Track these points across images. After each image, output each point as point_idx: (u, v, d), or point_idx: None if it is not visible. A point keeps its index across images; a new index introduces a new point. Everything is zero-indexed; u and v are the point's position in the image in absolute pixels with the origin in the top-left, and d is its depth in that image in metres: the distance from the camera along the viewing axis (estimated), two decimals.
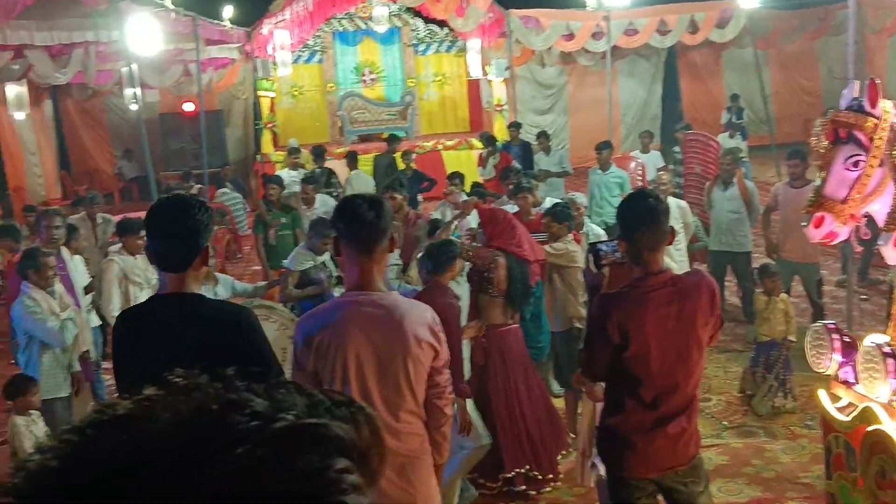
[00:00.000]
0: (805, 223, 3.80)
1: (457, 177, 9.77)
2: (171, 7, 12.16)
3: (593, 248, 3.40)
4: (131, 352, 3.01)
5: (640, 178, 11.93)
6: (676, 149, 12.80)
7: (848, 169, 3.69)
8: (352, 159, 12.94)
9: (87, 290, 7.09)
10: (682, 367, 3.40)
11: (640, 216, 3.30)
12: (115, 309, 6.66)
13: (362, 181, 12.18)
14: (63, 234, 7.14)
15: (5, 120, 17.26)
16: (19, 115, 15.59)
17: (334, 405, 0.68)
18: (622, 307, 3.32)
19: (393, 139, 14.84)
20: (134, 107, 16.45)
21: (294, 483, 0.61)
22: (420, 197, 12.43)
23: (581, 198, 8.04)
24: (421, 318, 3.09)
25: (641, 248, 3.32)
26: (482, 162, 13.37)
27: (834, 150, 3.75)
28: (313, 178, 10.59)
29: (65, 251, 7.06)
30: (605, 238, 6.63)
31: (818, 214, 3.75)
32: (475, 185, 11.01)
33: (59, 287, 6.18)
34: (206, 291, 6.73)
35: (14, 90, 13.51)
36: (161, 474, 0.60)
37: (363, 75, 21.25)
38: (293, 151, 12.96)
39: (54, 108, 21.04)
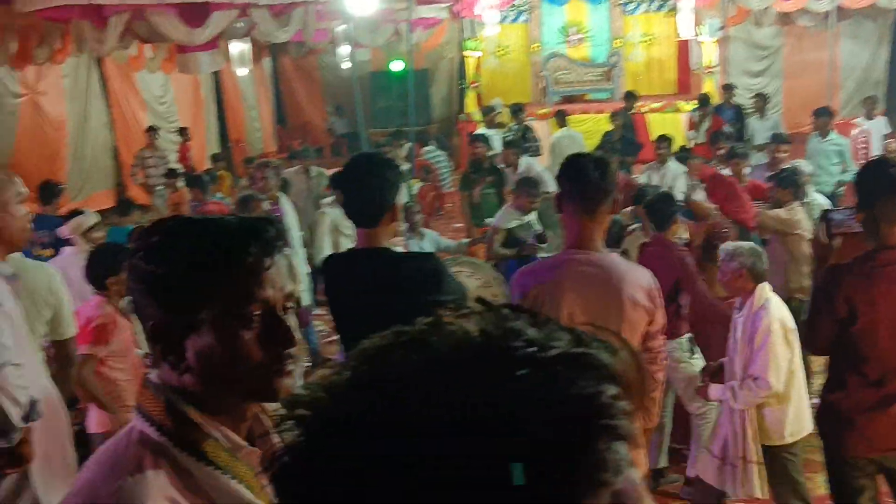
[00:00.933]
0: None
1: (664, 140, 9.53)
2: None
3: (825, 216, 3.22)
4: (336, 296, 3.18)
5: (864, 146, 11.19)
6: None
7: None
8: (560, 118, 12.90)
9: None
10: None
11: (882, 184, 3.09)
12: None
13: (573, 141, 12.06)
14: (275, 185, 7.53)
15: (228, 76, 18.34)
16: (242, 72, 16.50)
17: (596, 340, 0.69)
18: (852, 280, 3.14)
19: (629, 96, 14.58)
20: (346, 65, 17.08)
21: (570, 407, 0.63)
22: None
23: (805, 165, 7.65)
24: (638, 280, 3.04)
25: (879, 218, 3.11)
26: (693, 125, 12.96)
27: None
28: (514, 141, 10.65)
29: (284, 198, 7.47)
30: (829, 207, 6.29)
31: None
32: (682, 149, 10.70)
33: None
34: (412, 245, 6.96)
35: (238, 47, 14.27)
36: (451, 393, 0.63)
37: (568, 35, 20.98)
38: (487, 111, 13.08)
39: (273, 65, 22.15)
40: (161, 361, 1.32)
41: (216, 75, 18.18)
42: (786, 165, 7.22)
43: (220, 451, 1.29)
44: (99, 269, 4.49)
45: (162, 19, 11.22)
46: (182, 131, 15.80)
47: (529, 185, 7.01)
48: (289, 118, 23.07)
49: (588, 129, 14.67)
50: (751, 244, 4.19)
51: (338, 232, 7.11)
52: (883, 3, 17.30)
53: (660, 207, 5.06)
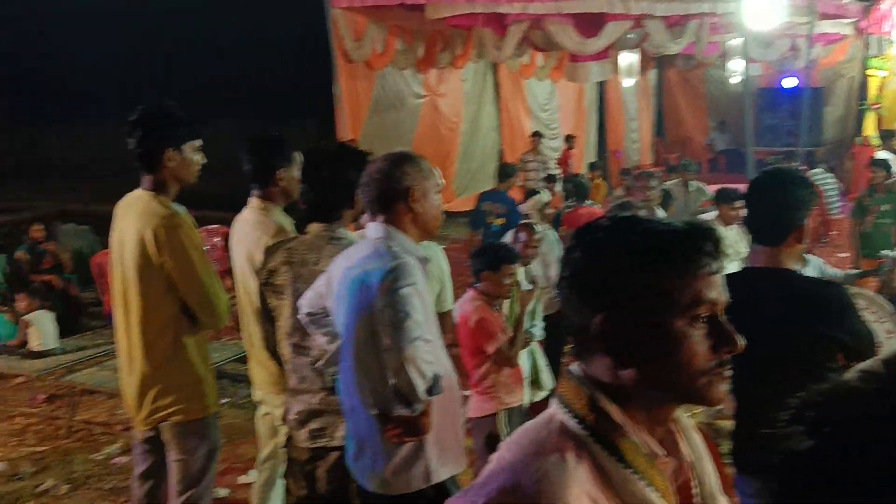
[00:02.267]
0: None
1: None
2: None
3: None
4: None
5: None
6: None
7: None
8: None
9: None
10: None
11: None
12: None
13: None
14: (657, 195, 7.50)
15: (612, 86, 18.60)
16: (628, 83, 16.67)
17: None
18: None
19: None
20: (735, 79, 16.60)
21: None
22: None
23: None
24: None
25: None
26: None
27: None
28: None
29: (660, 211, 7.42)
30: None
31: None
32: None
33: None
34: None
35: (627, 58, 14.42)
36: None
37: None
38: (887, 135, 12.08)
39: (657, 77, 22.11)
40: (590, 355, 1.35)
41: (600, 85, 18.53)
42: None
43: (638, 455, 1.29)
44: (481, 264, 4.79)
45: (558, 28, 11.64)
46: (568, 138, 16.29)
47: None
48: (668, 131, 22.91)
49: None
50: None
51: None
52: None
53: None
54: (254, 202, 4.01)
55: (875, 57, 16.93)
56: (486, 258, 4.79)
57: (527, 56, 14.72)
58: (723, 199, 7.04)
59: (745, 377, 2.12)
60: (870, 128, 17.32)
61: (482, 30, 12.28)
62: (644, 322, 1.29)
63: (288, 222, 3.94)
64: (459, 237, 12.42)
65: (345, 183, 3.28)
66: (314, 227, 3.40)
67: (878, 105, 17.68)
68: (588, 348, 1.35)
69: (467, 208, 11.08)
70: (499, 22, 12.09)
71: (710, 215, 7.40)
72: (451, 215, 7.81)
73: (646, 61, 17.97)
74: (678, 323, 1.28)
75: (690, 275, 1.29)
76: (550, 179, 12.55)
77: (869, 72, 17.49)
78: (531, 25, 11.88)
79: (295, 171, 3.95)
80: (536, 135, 14.76)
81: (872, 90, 17.57)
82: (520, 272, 5.25)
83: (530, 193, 7.53)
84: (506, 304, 4.93)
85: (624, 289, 1.29)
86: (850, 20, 16.28)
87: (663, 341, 1.28)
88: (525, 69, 15.98)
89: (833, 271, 6.90)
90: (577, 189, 9.11)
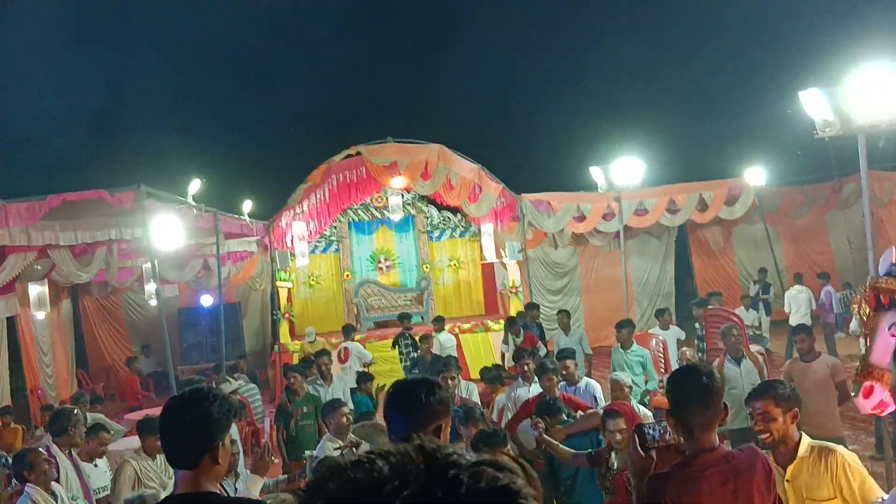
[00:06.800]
0: (854, 393, 3.66)
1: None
2: (194, 204, 12.45)
3: (639, 430, 3.22)
4: None
5: (662, 354, 11.79)
6: (697, 325, 12.70)
7: (893, 335, 3.57)
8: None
9: None
10: None
11: (694, 395, 3.15)
12: None
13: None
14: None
15: (24, 322, 17.37)
16: (40, 316, 15.72)
17: None
18: (675, 487, 3.12)
19: (438, 320, 15.06)
20: (153, 302, 16.62)
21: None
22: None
23: (624, 377, 7.86)
24: None
25: (693, 426, 3.15)
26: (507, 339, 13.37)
27: (877, 316, 3.66)
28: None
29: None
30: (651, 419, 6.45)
31: (867, 384, 3.61)
32: (494, 367, 10.90)
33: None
34: (228, 487, 6.52)
35: (36, 290, 13.65)
36: None
37: (379, 262, 21.55)
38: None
39: (73, 306, 21.26)
40: None
41: (11, 320, 17.17)
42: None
43: None
44: None
45: None
46: None
47: (332, 406, 6.99)
48: (91, 361, 21.95)
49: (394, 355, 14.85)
50: None
51: (140, 482, 6.56)
52: (666, 221, 18.88)
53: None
54: None
55: (280, 270, 18.36)
56: None
57: None
58: (145, 429, 6.74)
59: None
60: (285, 335, 18.52)
61: None
62: None
63: None
64: None
65: None
66: None
67: (289, 313, 19.06)
68: None
69: None
70: None
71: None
72: None
73: (58, 291, 17.21)
74: None
75: None
76: None
77: (277, 283, 18.88)
78: None
79: None
80: None
81: (283, 300, 18.93)
82: None
83: None
84: None
85: None
86: (254, 238, 17.52)
87: None
88: None
89: (264, 481, 6.99)
90: None
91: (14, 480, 7.86)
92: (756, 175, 18.63)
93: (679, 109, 29.91)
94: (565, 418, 6.81)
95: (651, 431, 3.22)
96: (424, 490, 0.86)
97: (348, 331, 14.36)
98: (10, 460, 7.13)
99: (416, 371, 11.58)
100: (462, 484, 0.87)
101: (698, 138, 27.61)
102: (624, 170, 17.00)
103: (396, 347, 14.08)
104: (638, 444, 3.25)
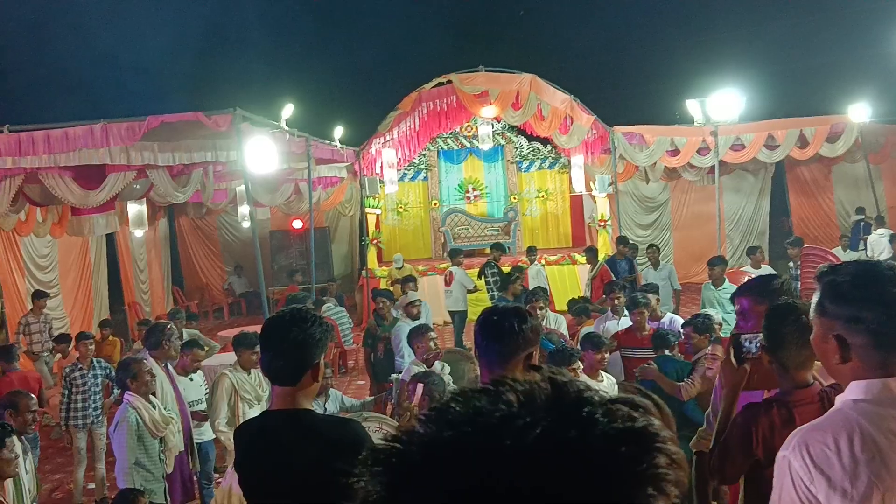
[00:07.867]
0: None
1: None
2: (287, 129, 12.62)
3: (736, 341, 3.19)
4: (251, 467, 2.97)
5: None
6: (791, 264, 12.42)
7: None
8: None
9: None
10: None
11: (792, 334, 3.07)
12: (221, 424, 6.71)
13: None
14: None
15: (123, 240, 17.99)
16: (138, 233, 16.24)
17: None
18: (768, 423, 3.08)
19: (531, 251, 15.46)
20: (246, 224, 17.02)
21: None
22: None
23: (715, 314, 7.77)
24: None
25: (789, 365, 3.10)
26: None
27: None
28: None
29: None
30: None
31: None
32: (581, 299, 10.88)
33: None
34: (315, 406, 6.71)
35: (135, 208, 14.06)
36: None
37: (467, 192, 21.53)
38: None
39: (170, 226, 21.93)
40: None
41: (110, 237, 17.81)
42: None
43: None
44: None
45: (57, 181, 11.00)
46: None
47: (418, 333, 7.09)
48: (186, 279, 22.71)
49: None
50: None
51: (237, 395, 6.82)
52: (763, 157, 18.36)
53: None
54: None
55: (369, 197, 18.54)
56: None
57: (23, 212, 13.63)
58: (240, 344, 6.98)
59: None
60: (373, 261, 18.77)
61: None
62: None
63: None
64: None
65: None
66: None
67: (378, 240, 19.30)
68: None
69: None
70: None
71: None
72: None
73: (155, 211, 17.72)
74: None
75: None
76: (62, 340, 11.53)
77: (366, 210, 19.09)
78: (26, 179, 11.08)
79: None
80: (39, 295, 13.47)
81: (371, 226, 19.15)
82: None
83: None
84: None
85: None
86: (345, 164, 17.68)
87: None
88: (22, 226, 14.75)
89: (350, 401, 7.17)
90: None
91: (115, 390, 8.26)
92: (860, 111, 17.84)
93: (781, 41, 28.83)
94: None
95: (747, 344, 3.19)
96: (557, 429, 0.80)
97: (454, 254, 14.44)
98: (113, 370, 7.46)
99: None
100: (597, 423, 0.81)
101: (800, 72, 26.61)
102: (721, 103, 16.55)
103: (482, 277, 14.13)
104: (734, 354, 3.23)
